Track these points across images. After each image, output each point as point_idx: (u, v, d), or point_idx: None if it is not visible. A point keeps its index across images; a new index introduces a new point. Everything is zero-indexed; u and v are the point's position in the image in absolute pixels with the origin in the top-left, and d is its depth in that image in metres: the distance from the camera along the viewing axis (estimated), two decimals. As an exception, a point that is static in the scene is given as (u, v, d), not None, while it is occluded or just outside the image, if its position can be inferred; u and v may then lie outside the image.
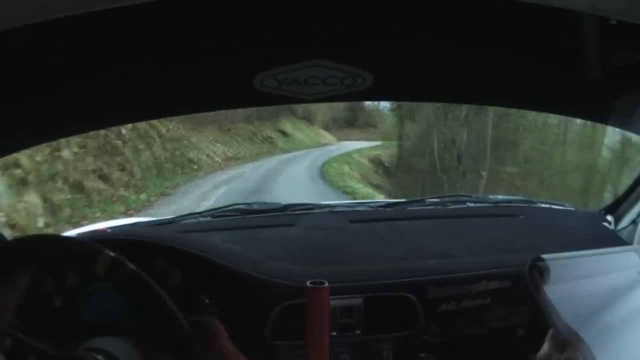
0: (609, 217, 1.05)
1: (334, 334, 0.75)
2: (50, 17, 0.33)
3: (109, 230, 0.99)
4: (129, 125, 7.11)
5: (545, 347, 0.61)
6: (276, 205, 1.10)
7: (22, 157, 4.42)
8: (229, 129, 13.58)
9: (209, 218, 1.05)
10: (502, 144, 9.40)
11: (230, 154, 12.38)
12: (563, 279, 0.67)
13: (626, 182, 1.09)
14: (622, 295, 0.76)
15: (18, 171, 4.44)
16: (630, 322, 0.70)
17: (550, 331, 0.66)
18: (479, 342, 0.84)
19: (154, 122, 8.04)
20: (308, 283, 0.67)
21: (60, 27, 0.37)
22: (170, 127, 9.61)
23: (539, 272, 0.64)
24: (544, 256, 0.63)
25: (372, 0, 0.50)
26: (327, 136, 21.80)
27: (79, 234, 0.96)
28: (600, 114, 0.75)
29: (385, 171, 13.41)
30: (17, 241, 0.56)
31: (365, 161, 14.89)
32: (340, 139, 21.04)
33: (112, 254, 0.50)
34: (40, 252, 0.54)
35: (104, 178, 6.34)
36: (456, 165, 9.74)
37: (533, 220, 1.07)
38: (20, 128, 0.63)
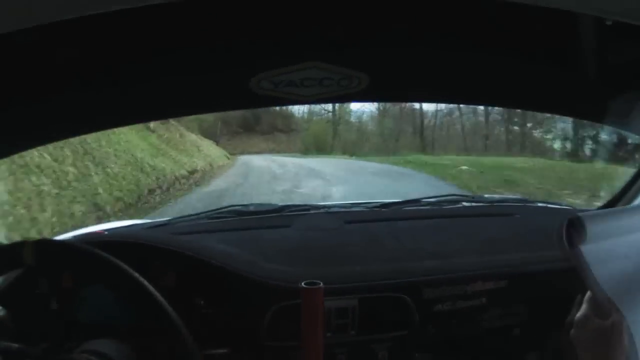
0: (605, 217, 1.05)
1: (329, 334, 0.75)
2: (50, 20, 0.33)
3: (106, 233, 0.98)
4: None
5: (584, 310, 0.57)
6: (272, 207, 1.10)
7: None
8: None
9: (204, 220, 1.05)
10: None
11: None
12: (601, 237, 0.59)
13: (622, 181, 1.08)
14: None
15: None
16: None
17: (588, 294, 0.60)
18: (474, 342, 0.85)
19: None
20: (302, 284, 0.67)
21: (61, 30, 0.37)
22: None
23: (576, 230, 0.56)
24: (581, 214, 0.56)
25: (367, 2, 0.50)
26: (212, 149, 11.50)
27: (75, 235, 0.96)
28: (599, 114, 0.75)
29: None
30: None
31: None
32: (234, 153, 12.30)
33: None
34: None
35: None
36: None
37: (529, 220, 1.07)
38: (20, 130, 0.63)
